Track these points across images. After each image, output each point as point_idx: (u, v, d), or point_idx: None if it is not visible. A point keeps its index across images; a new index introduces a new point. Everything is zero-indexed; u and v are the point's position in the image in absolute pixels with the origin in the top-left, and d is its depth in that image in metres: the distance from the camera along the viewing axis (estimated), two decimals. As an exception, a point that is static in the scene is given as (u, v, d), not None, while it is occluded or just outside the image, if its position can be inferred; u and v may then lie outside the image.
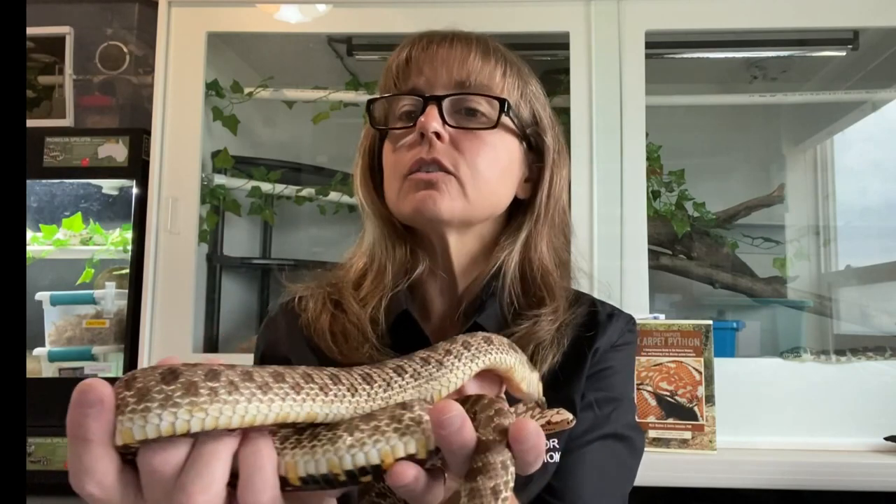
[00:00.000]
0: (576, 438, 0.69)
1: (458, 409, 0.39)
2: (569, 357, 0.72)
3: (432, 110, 0.70)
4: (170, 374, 0.36)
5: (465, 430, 0.40)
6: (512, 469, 0.40)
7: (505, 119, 0.72)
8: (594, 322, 0.76)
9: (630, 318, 0.79)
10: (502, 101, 0.71)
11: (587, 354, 0.73)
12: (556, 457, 0.67)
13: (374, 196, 0.77)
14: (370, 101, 0.75)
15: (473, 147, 0.70)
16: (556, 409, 0.69)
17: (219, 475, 0.37)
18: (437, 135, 0.69)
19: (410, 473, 0.39)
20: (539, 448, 0.40)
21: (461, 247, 0.74)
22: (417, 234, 0.75)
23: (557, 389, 0.70)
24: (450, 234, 0.73)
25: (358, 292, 0.74)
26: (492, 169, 0.72)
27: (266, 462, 0.38)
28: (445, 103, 0.70)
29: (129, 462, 0.38)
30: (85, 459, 0.37)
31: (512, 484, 0.39)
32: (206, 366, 0.37)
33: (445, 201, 0.69)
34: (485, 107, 0.72)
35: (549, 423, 0.67)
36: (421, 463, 0.40)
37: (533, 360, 0.70)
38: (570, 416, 0.68)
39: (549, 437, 0.68)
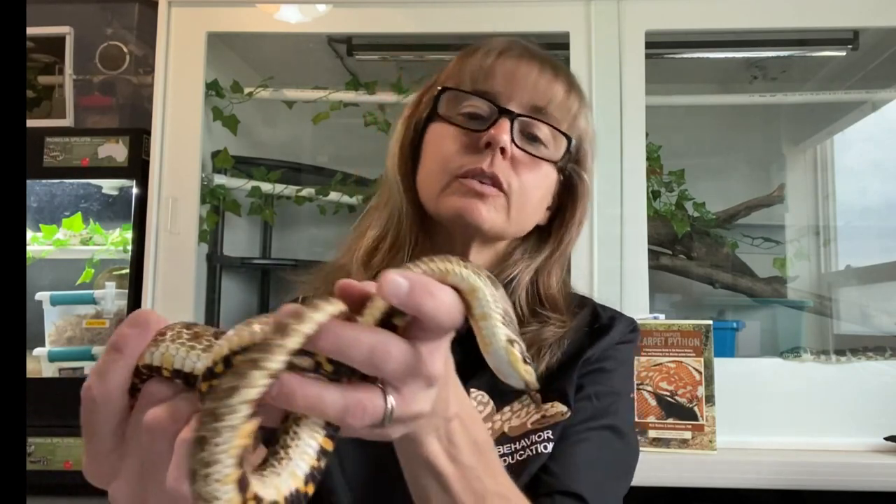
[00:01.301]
0: (573, 426, 0.69)
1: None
2: (567, 355, 0.73)
3: (505, 124, 0.70)
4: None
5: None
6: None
7: None
8: (596, 325, 0.77)
9: (631, 321, 0.80)
10: (569, 140, 0.74)
11: (586, 350, 0.73)
12: (550, 447, 0.67)
13: (409, 181, 0.77)
14: (444, 88, 0.75)
15: (530, 172, 0.72)
16: (550, 403, 0.69)
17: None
18: (502, 150, 0.70)
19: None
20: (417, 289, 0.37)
21: (479, 256, 0.75)
22: (439, 229, 0.76)
23: (551, 382, 0.71)
24: (475, 243, 0.74)
25: (368, 269, 0.74)
26: (535, 195, 0.74)
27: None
28: (517, 122, 0.71)
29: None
30: (107, 364, 0.40)
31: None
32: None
33: (490, 214, 0.70)
34: (545, 133, 0.73)
35: (543, 416, 0.67)
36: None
37: (533, 358, 0.70)
38: (564, 408, 0.68)
39: (543, 428, 0.68)
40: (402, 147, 0.78)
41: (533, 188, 0.73)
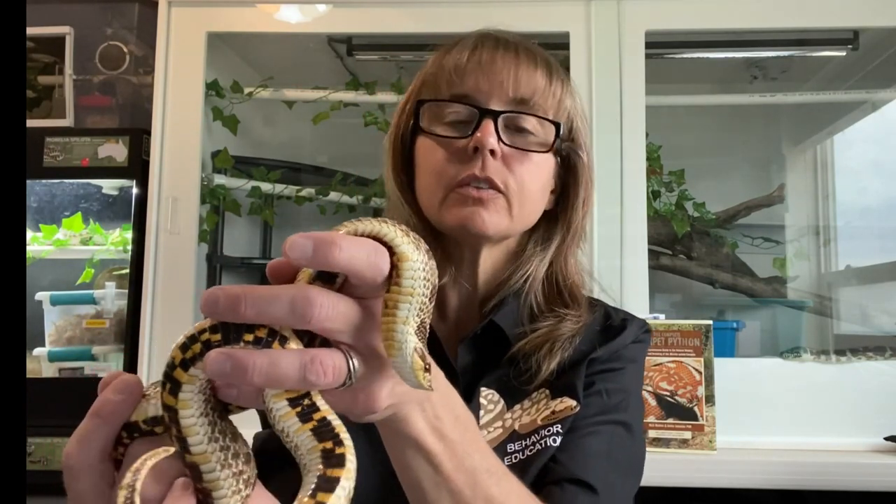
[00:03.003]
0: (583, 419, 0.69)
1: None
2: (579, 352, 0.72)
3: (489, 126, 0.69)
4: None
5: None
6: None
7: None
8: (608, 326, 0.77)
9: (644, 323, 0.80)
10: (557, 126, 0.72)
11: (597, 349, 0.73)
12: (559, 440, 0.67)
13: (409, 195, 0.76)
14: (421, 102, 0.74)
15: (522, 166, 0.71)
16: (559, 399, 0.69)
17: None
18: (492, 152, 0.69)
19: None
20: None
21: (489, 258, 0.75)
22: (446, 241, 0.75)
23: (561, 377, 0.71)
24: (484, 247, 0.74)
25: None
26: (534, 187, 0.73)
27: None
28: (501, 119, 0.70)
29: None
30: (88, 430, 0.40)
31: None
32: None
33: (493, 219, 0.69)
34: (533, 124, 0.72)
35: (553, 412, 0.67)
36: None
37: (547, 354, 0.70)
38: (572, 402, 0.68)
39: (552, 423, 0.68)
40: (394, 165, 0.78)
41: (530, 181, 0.72)
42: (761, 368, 1.45)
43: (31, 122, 1.74)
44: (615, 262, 1.47)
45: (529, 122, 0.72)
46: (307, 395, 0.37)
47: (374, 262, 0.38)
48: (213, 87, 1.68)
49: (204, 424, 0.37)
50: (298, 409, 0.36)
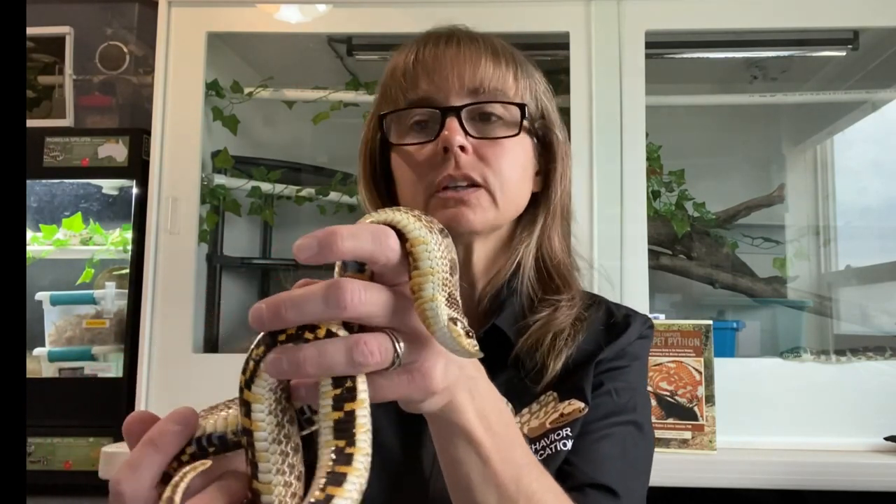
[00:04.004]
0: (594, 422, 0.69)
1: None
2: (583, 351, 0.72)
3: (453, 123, 0.69)
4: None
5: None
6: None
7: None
8: (612, 323, 0.77)
9: (647, 319, 0.80)
10: (522, 107, 0.72)
11: (603, 348, 0.73)
12: (569, 444, 0.67)
13: (386, 205, 0.76)
14: (383, 116, 0.73)
15: (496, 154, 0.70)
16: (567, 401, 0.69)
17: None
18: (462, 148, 0.68)
19: None
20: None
21: (482, 251, 0.75)
22: None
23: (567, 378, 0.70)
24: (476, 242, 0.74)
25: None
26: (515, 172, 0.72)
27: None
28: (463, 113, 0.70)
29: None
30: (141, 458, 0.41)
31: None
32: None
33: (479, 215, 0.69)
34: (499, 109, 0.72)
35: (561, 415, 0.67)
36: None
37: (550, 349, 0.70)
38: (581, 404, 0.68)
39: (562, 426, 0.68)
40: (366, 180, 0.78)
41: (508, 168, 0.71)
42: (761, 368, 1.45)
43: (31, 122, 1.74)
44: (615, 262, 1.47)
45: (494, 108, 0.72)
46: (352, 377, 0.38)
47: (379, 242, 0.39)
48: (213, 87, 1.68)
49: (275, 453, 0.39)
50: (339, 390, 0.38)
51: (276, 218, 1.88)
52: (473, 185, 0.69)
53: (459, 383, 0.46)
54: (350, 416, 0.38)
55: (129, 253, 1.65)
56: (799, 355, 1.44)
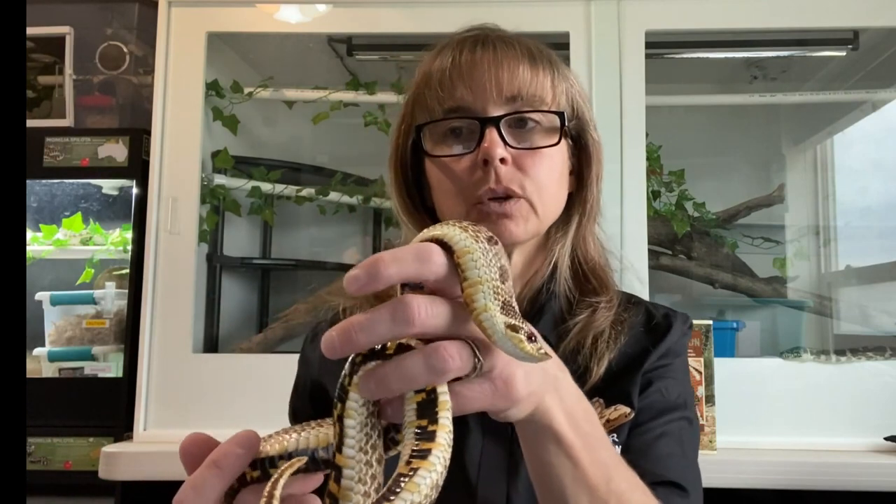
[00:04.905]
0: (649, 421, 0.69)
1: None
2: (627, 355, 0.72)
3: (493, 135, 0.68)
4: None
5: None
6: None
7: None
8: (653, 324, 0.77)
9: (687, 317, 0.80)
10: (561, 115, 0.71)
11: (650, 352, 0.73)
12: (618, 450, 0.66)
13: (418, 216, 0.76)
14: (421, 126, 0.72)
15: (535, 163, 0.70)
16: (613, 407, 0.68)
17: None
18: (502, 160, 0.68)
19: None
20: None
21: (520, 255, 0.75)
22: None
23: (613, 384, 0.70)
24: (516, 249, 0.73)
25: None
26: (552, 179, 0.72)
27: None
28: (502, 123, 0.69)
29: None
30: (205, 479, 0.41)
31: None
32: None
33: (521, 226, 0.69)
34: (537, 115, 0.71)
35: (608, 421, 0.67)
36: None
37: (592, 352, 0.70)
38: (627, 409, 0.68)
39: (609, 432, 0.67)
40: (399, 190, 0.77)
41: (547, 176, 0.71)
42: (761, 368, 1.45)
43: (31, 122, 1.74)
44: (615, 262, 1.47)
45: (532, 114, 0.71)
46: (433, 389, 0.39)
47: (422, 261, 0.39)
48: (213, 87, 1.68)
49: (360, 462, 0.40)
50: (421, 395, 0.39)
51: (276, 218, 1.88)
52: (513, 196, 0.69)
53: (545, 386, 0.46)
54: (432, 395, 0.39)
55: (129, 253, 1.65)
56: (799, 355, 1.44)
